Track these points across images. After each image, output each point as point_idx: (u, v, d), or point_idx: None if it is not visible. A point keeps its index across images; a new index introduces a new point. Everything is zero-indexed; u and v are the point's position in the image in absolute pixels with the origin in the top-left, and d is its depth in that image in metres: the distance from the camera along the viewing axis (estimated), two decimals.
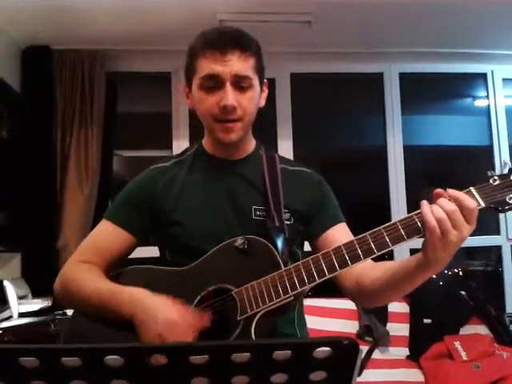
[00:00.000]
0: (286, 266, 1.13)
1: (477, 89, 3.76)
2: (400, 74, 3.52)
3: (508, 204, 1.03)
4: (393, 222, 1.06)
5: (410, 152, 3.50)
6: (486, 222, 3.56)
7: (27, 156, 3.01)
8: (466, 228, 0.98)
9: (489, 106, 3.60)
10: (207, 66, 1.22)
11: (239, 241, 1.18)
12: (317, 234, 1.34)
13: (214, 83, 1.23)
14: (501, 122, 3.55)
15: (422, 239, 1.03)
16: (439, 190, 1.03)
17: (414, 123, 3.64)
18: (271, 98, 3.45)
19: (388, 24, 3.03)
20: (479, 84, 3.68)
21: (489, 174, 1.05)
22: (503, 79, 3.59)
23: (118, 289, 1.19)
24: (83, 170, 3.07)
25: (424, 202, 1.01)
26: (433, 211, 0.98)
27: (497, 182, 1.04)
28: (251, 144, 1.41)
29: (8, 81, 2.95)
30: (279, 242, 1.20)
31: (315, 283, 1.09)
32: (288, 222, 1.27)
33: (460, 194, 1.00)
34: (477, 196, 1.03)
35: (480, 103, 3.79)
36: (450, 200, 1.00)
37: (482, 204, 1.02)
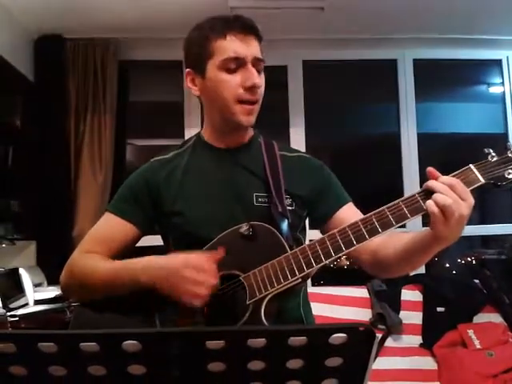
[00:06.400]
0: (291, 249, 1.14)
1: (492, 75, 3.71)
2: (414, 60, 3.47)
3: (506, 179, 1.05)
4: (396, 201, 1.08)
5: (424, 139, 3.46)
6: (501, 210, 3.53)
7: (41, 145, 3.03)
8: (470, 198, 1.02)
9: (504, 92, 3.55)
10: (230, 47, 1.23)
11: (244, 227, 1.18)
12: (326, 217, 1.34)
13: (236, 64, 1.24)
14: None
15: None
16: (431, 169, 1.06)
17: (428, 110, 3.60)
18: (283, 86, 3.47)
19: (401, 10, 2.99)
20: (494, 70, 3.63)
21: (486, 151, 1.08)
22: None
23: (129, 262, 1.20)
24: (97, 159, 3.09)
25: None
26: (436, 199, 1.00)
27: (495, 159, 1.07)
28: (250, 132, 1.41)
29: (21, 70, 2.97)
30: (283, 227, 1.21)
31: (322, 264, 1.10)
32: (290, 208, 1.28)
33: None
34: (476, 172, 1.05)
35: (495, 90, 3.73)
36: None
37: (482, 180, 1.04)
